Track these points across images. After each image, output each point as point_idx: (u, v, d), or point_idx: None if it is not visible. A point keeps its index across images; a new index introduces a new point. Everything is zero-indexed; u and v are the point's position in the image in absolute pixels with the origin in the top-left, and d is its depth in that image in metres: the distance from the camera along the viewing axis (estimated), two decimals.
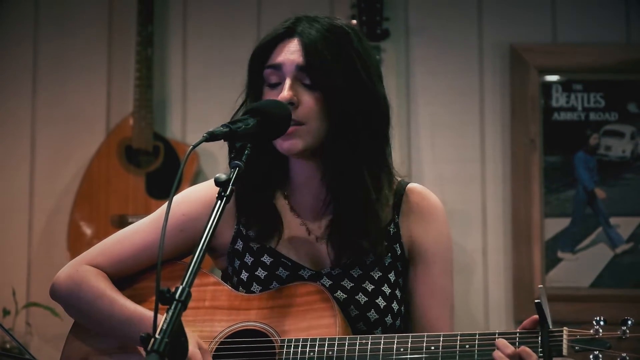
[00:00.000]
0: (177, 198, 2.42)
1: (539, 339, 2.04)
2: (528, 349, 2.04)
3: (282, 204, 2.38)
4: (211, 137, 2.00)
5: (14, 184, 4.67)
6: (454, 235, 4.39)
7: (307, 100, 2.25)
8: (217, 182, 1.96)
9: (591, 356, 2.00)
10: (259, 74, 2.31)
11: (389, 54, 4.59)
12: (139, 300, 2.36)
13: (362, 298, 2.30)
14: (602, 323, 2.02)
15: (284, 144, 2.25)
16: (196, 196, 2.41)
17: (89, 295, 2.35)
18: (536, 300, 2.02)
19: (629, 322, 2.00)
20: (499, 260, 4.52)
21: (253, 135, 2.07)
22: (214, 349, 2.26)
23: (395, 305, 2.33)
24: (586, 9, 4.63)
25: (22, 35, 4.74)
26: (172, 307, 1.78)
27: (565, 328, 2.04)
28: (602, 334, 2.01)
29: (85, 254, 2.44)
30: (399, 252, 2.37)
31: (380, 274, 2.33)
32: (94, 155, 4.56)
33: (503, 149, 4.57)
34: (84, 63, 4.71)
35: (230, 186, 1.95)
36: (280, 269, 2.33)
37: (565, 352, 2.02)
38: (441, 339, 2.13)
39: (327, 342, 2.17)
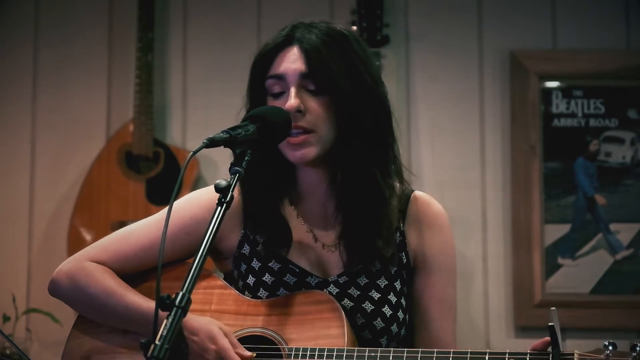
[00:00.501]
0: (185, 200, 2.41)
1: None
2: None
3: (288, 211, 2.38)
4: (211, 143, 2.00)
5: (14, 190, 4.67)
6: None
7: (314, 107, 2.25)
8: (217, 189, 1.96)
9: None
10: (261, 85, 2.31)
11: (389, 60, 4.59)
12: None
13: (368, 306, 2.30)
14: (611, 348, 2.02)
15: (295, 154, 2.25)
16: (203, 200, 2.39)
17: (99, 291, 2.33)
18: (550, 324, 2.02)
19: (638, 348, 2.00)
20: (499, 267, 4.52)
21: (253, 141, 2.07)
22: None
23: (400, 314, 2.33)
24: (586, 15, 4.63)
25: (23, 41, 4.74)
26: (172, 314, 1.78)
27: (576, 352, 2.04)
28: (612, 359, 2.01)
29: (87, 250, 2.42)
30: (404, 261, 2.37)
31: (387, 282, 2.33)
32: (94, 161, 4.56)
33: (503, 155, 4.57)
34: (84, 69, 4.71)
35: (230, 192, 1.95)
36: (288, 275, 2.32)
37: None
38: (451, 356, 2.12)
39: (335, 354, 2.16)
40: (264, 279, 2.33)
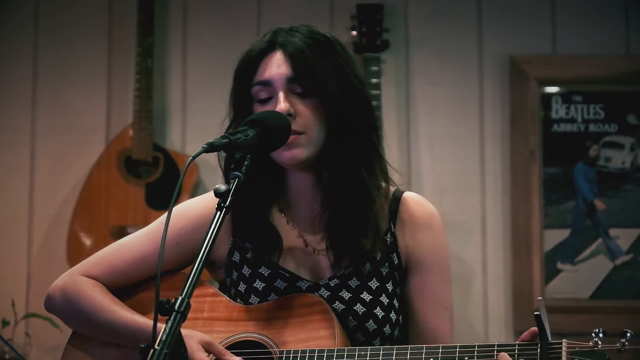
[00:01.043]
0: (174, 211, 2.41)
1: (538, 350, 2.04)
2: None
3: (278, 217, 2.37)
4: (211, 148, 2.00)
5: (14, 195, 4.67)
6: (453, 246, 4.43)
7: (303, 110, 2.26)
8: (217, 193, 1.96)
9: None
10: (246, 92, 2.31)
11: (388, 64, 4.60)
12: (139, 311, 2.35)
13: (360, 309, 2.30)
14: (601, 335, 2.01)
15: (285, 154, 2.25)
16: (193, 210, 2.40)
17: (88, 307, 2.34)
18: (535, 312, 2.01)
19: (628, 334, 2.00)
20: (499, 272, 4.52)
21: (253, 146, 2.07)
22: None
23: (393, 315, 2.33)
24: (586, 20, 4.63)
25: (22, 45, 4.74)
26: (172, 318, 1.78)
27: (564, 340, 2.04)
28: (601, 346, 2.00)
29: (81, 265, 2.43)
30: (396, 262, 2.36)
31: (378, 284, 2.33)
32: (93, 166, 4.56)
33: (503, 160, 4.57)
34: (84, 73, 4.71)
35: (230, 197, 1.95)
36: (279, 280, 2.32)
37: None
38: (440, 350, 2.12)
39: (325, 354, 2.17)
40: (254, 285, 2.33)
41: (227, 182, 2.02)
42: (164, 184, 4.50)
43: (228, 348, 2.26)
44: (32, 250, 4.63)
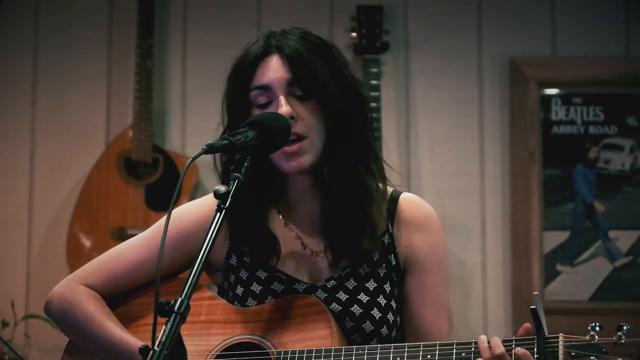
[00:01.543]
0: (171, 215, 2.41)
1: (535, 345, 2.05)
2: (527, 352, 2.05)
3: (276, 220, 2.37)
4: (210, 149, 2.00)
5: (13, 196, 4.67)
6: (452, 248, 4.43)
7: (304, 112, 2.25)
8: (217, 195, 1.96)
9: None
10: (243, 97, 2.30)
11: (388, 66, 4.60)
12: (134, 317, 2.36)
13: (357, 310, 2.29)
14: (597, 329, 2.02)
15: (291, 164, 2.25)
16: (189, 214, 2.40)
17: (80, 318, 2.34)
18: (532, 307, 2.02)
19: (625, 328, 2.01)
20: (498, 274, 4.52)
21: (252, 148, 2.07)
22: None
23: (390, 316, 2.33)
24: (585, 22, 4.64)
25: (22, 46, 4.74)
26: (171, 320, 1.78)
27: (561, 334, 2.05)
28: (598, 340, 2.01)
29: (79, 271, 2.43)
30: (393, 263, 2.36)
31: (376, 285, 2.33)
32: (93, 167, 4.56)
33: (502, 162, 4.58)
34: (84, 75, 4.71)
35: (229, 198, 1.95)
36: (275, 283, 2.32)
37: (561, 357, 2.03)
38: (437, 347, 2.12)
39: (323, 353, 2.17)
40: (251, 288, 2.32)
41: (222, 183, 2.01)
42: (163, 185, 4.50)
43: (226, 350, 2.26)
44: (32, 251, 4.63)
